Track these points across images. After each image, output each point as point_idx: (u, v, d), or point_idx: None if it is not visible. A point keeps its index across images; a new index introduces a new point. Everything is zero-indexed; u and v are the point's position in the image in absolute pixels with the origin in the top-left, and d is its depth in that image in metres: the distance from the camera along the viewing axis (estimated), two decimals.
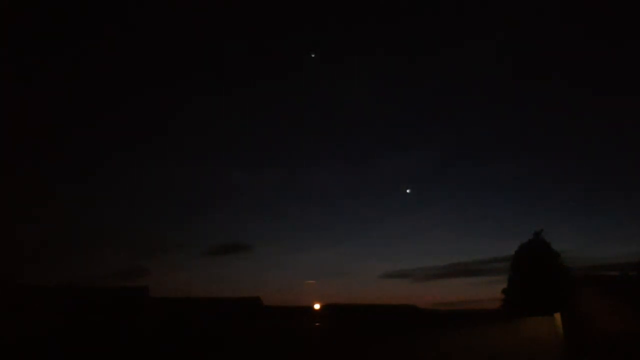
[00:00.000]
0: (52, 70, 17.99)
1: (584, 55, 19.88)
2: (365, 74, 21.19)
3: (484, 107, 21.85)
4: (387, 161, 22.54)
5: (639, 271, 13.70)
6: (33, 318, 8.58)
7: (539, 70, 20.98)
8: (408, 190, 21.19)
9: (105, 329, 8.95)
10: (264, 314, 11.91)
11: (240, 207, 22.16)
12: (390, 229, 23.52)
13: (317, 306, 12.95)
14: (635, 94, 19.82)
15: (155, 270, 17.85)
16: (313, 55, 18.93)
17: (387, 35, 20.51)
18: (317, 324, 11.96)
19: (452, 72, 21.64)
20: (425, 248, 23.41)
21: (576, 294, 13.02)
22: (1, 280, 10.04)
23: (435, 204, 22.99)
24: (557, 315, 12.45)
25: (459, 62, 21.38)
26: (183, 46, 20.04)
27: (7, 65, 16.15)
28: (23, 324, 8.44)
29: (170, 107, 20.75)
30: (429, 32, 20.41)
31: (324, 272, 22.39)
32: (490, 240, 22.76)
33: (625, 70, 19.33)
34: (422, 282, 22.41)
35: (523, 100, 21.98)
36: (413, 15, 19.47)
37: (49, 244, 16.69)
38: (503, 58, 20.85)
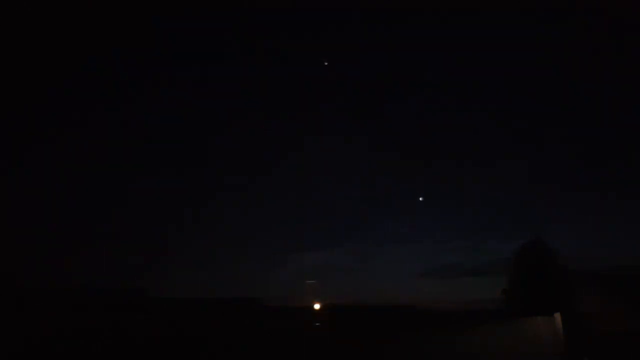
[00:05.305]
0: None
1: (585, 55, 19.88)
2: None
3: (485, 109, 21.84)
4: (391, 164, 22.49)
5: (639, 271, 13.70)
6: (32, 318, 8.58)
7: (537, 67, 20.99)
8: (421, 199, 21.21)
9: (102, 330, 8.96)
10: (264, 314, 11.91)
11: (241, 208, 22.12)
12: (390, 230, 23.50)
13: (317, 306, 12.94)
14: (636, 90, 19.80)
15: (155, 271, 17.83)
16: (326, 63, 19.03)
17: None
18: (317, 324, 11.97)
19: (456, 73, 21.63)
20: (426, 249, 23.38)
21: (576, 294, 13.01)
22: (1, 281, 10.04)
23: (435, 204, 22.96)
24: (557, 315, 12.46)
25: (464, 65, 21.37)
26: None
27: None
28: (22, 324, 8.43)
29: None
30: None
31: (324, 272, 22.36)
32: (491, 240, 22.73)
33: (625, 69, 19.32)
34: (422, 283, 22.40)
35: (524, 101, 21.97)
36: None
37: (51, 244, 16.69)
38: (501, 60, 20.85)
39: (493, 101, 21.84)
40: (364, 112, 22.25)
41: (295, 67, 20.90)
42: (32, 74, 17.26)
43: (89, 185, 19.56)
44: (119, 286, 11.96)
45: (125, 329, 9.19)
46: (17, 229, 16.09)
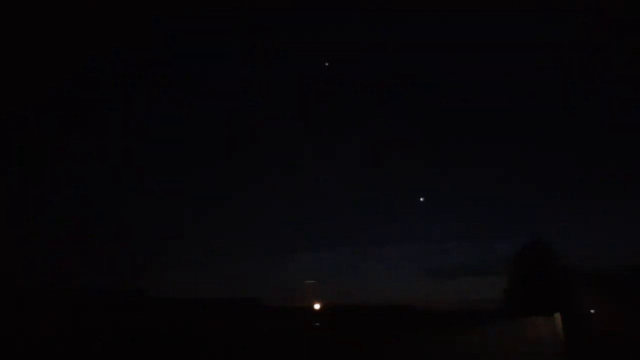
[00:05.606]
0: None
1: (585, 55, 19.89)
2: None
3: (485, 109, 21.85)
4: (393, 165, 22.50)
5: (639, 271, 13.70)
6: (32, 318, 8.58)
7: (537, 67, 21.00)
8: (422, 199, 21.26)
9: (102, 330, 8.96)
10: (264, 314, 11.91)
11: (241, 208, 22.11)
12: (390, 230, 23.51)
13: (317, 306, 12.95)
14: (636, 90, 19.82)
15: (155, 271, 17.84)
16: (327, 64, 19.13)
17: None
18: (317, 324, 11.98)
19: (456, 73, 21.65)
20: (426, 249, 23.39)
21: (576, 294, 13.03)
22: (1, 281, 10.04)
23: (435, 204, 22.97)
24: (557, 315, 12.47)
25: (464, 65, 21.39)
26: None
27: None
28: (22, 324, 8.44)
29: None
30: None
31: (324, 272, 22.37)
32: (491, 240, 22.74)
33: (625, 70, 19.33)
34: (422, 283, 22.41)
35: (524, 101, 21.98)
36: None
37: (51, 244, 16.70)
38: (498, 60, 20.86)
39: (493, 101, 21.87)
40: (364, 112, 22.27)
41: (295, 67, 20.92)
42: (32, 74, 17.27)
43: (89, 186, 19.58)
44: (119, 286, 11.97)
45: (125, 329, 9.20)
46: (17, 229, 16.10)
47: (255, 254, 21.98)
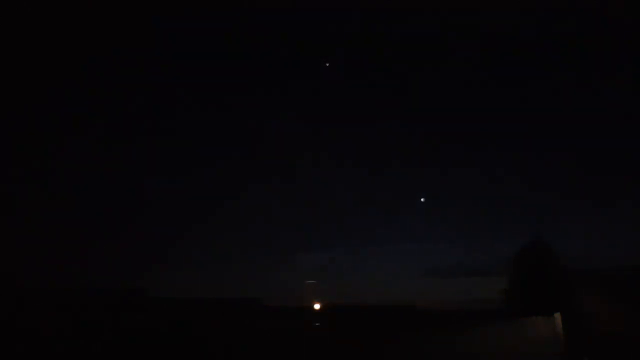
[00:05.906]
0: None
1: (586, 57, 19.87)
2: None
3: (485, 109, 21.83)
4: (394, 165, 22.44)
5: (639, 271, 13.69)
6: (32, 318, 8.59)
7: (536, 66, 20.99)
8: (422, 199, 21.25)
9: (102, 330, 8.97)
10: (264, 314, 11.92)
11: (241, 208, 22.09)
12: (390, 230, 23.47)
13: (317, 306, 12.96)
14: (636, 91, 19.80)
15: (154, 271, 17.84)
16: (327, 65, 19.17)
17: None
18: (317, 324, 11.99)
19: (456, 73, 21.63)
20: (426, 249, 23.36)
21: (576, 294, 13.01)
22: (1, 281, 10.04)
23: (435, 204, 22.94)
24: (557, 315, 12.46)
25: (464, 65, 21.38)
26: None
27: None
28: (22, 324, 8.44)
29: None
30: None
31: (324, 272, 22.34)
32: (490, 240, 22.72)
33: (625, 70, 19.32)
34: (422, 283, 22.39)
35: (524, 101, 21.96)
36: None
37: (51, 244, 16.70)
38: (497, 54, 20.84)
39: (493, 101, 21.85)
40: (364, 112, 22.27)
41: (295, 67, 20.93)
42: (32, 74, 17.28)
43: (89, 185, 19.58)
44: (119, 286, 11.97)
45: (125, 329, 9.20)
46: (17, 229, 16.11)
47: (255, 254, 21.95)
